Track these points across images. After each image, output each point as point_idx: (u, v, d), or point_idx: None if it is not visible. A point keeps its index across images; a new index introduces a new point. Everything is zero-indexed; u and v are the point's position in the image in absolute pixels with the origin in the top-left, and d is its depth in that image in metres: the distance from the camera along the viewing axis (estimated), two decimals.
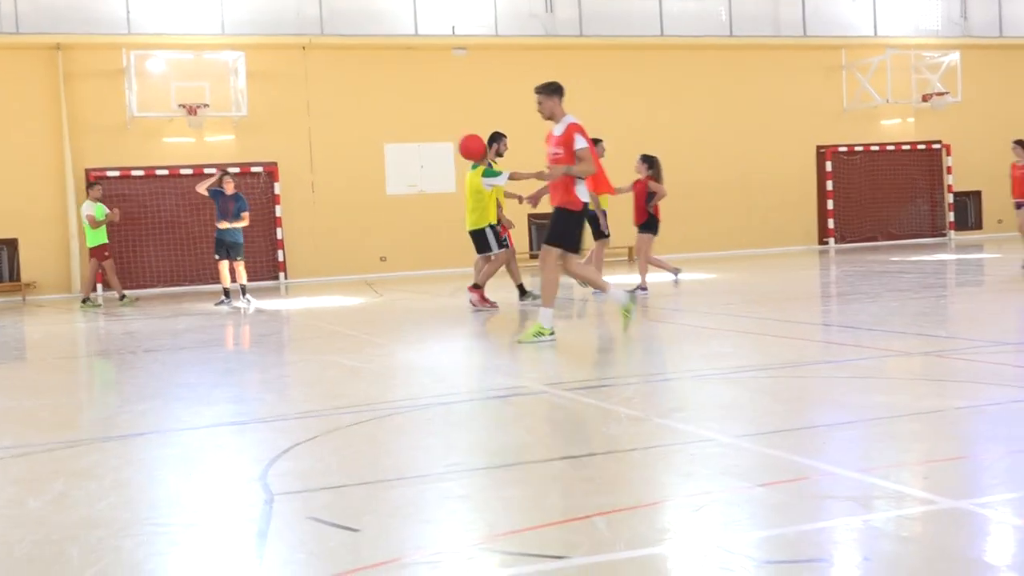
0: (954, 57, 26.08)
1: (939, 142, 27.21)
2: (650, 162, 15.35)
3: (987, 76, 27.13)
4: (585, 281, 13.05)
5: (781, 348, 9.60)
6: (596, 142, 15.49)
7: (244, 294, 17.29)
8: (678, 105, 25.24)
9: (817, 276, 19.02)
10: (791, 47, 26.15)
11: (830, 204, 26.36)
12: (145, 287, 21.74)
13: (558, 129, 10.24)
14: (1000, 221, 27.47)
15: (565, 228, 10.21)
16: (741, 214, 25.82)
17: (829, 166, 26.31)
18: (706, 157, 25.39)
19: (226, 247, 17.06)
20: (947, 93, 25.88)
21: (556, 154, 10.15)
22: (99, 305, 18.52)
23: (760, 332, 10.92)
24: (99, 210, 18.41)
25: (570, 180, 10.10)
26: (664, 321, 12.43)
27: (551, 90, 10.31)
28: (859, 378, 7.83)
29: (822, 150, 26.48)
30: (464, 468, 5.54)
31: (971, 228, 27.57)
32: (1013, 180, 16.92)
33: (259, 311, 16.05)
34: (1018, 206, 16.85)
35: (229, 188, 16.98)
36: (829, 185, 26.34)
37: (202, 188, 17.28)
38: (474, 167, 14.08)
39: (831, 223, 26.38)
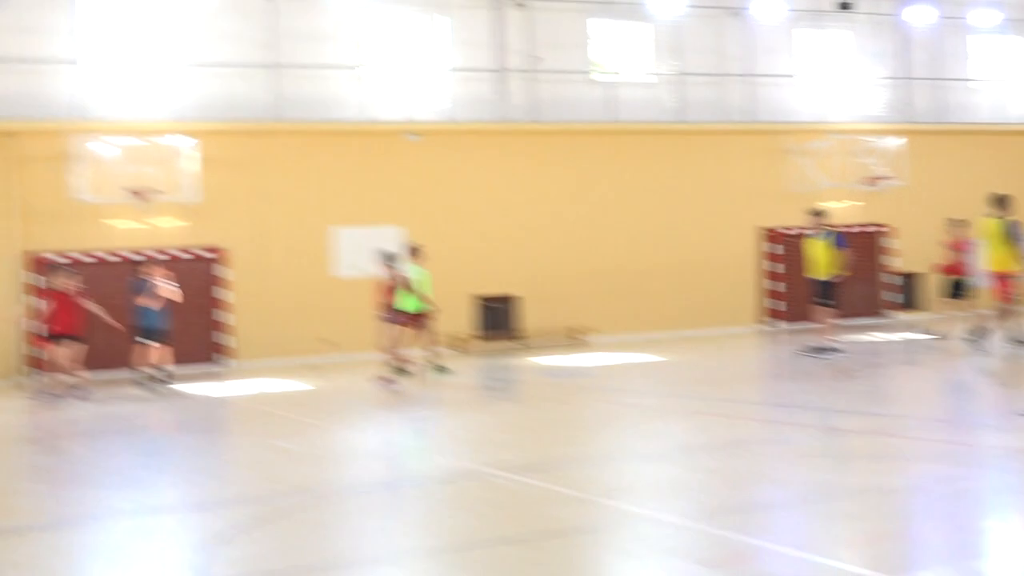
0: (897, 142, 26.65)
1: (881, 225, 27.69)
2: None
3: (929, 161, 27.72)
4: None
5: (725, 427, 9.63)
6: None
7: (157, 379, 17.07)
8: (629, 188, 25.53)
9: (762, 357, 19.17)
10: (738, 132, 26.61)
11: (774, 285, 26.64)
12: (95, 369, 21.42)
13: None
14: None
15: None
16: (688, 295, 26.01)
17: (773, 248, 26.65)
18: (655, 239, 25.65)
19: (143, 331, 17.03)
20: (891, 177, 26.38)
21: None
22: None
23: (704, 412, 10.95)
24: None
25: None
26: (608, 401, 12.44)
27: None
28: (801, 456, 7.86)
29: (766, 231, 26.84)
30: (408, 553, 5.48)
31: (911, 309, 27.90)
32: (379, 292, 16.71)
33: (197, 395, 15.86)
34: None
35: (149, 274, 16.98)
36: (774, 266, 26.65)
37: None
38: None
39: (776, 304, 26.65)
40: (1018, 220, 15.03)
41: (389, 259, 16.30)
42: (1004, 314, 15.39)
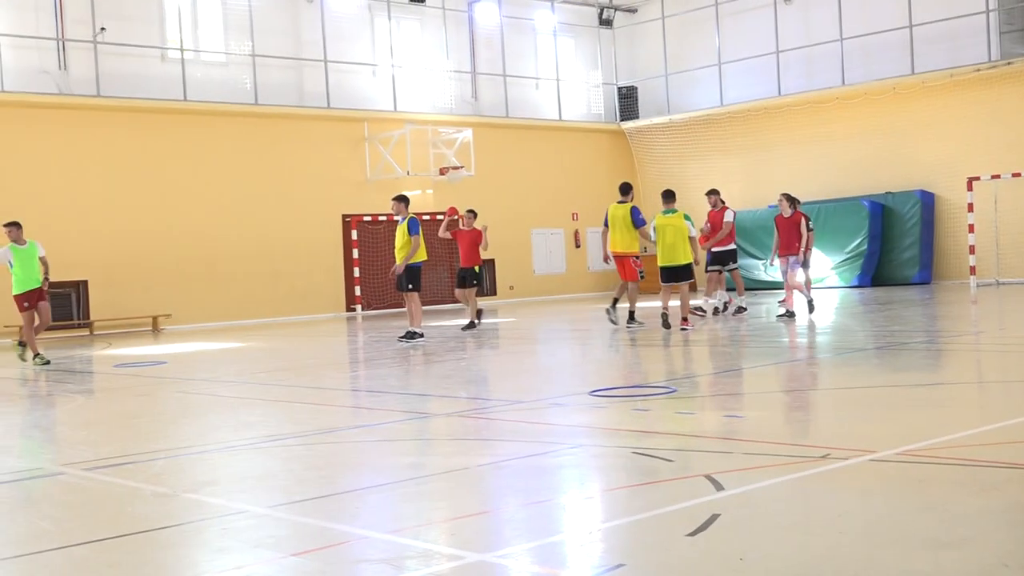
0: (467, 134, 27.85)
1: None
2: None
3: (496, 151, 29.23)
4: None
5: (312, 415, 9.64)
6: None
7: None
8: (201, 172, 24.83)
9: (346, 343, 19.37)
10: (316, 118, 26.67)
11: (356, 272, 27.02)
12: None
13: None
14: (511, 287, 29.55)
15: None
16: (269, 282, 25.79)
17: (355, 235, 27.01)
18: (231, 225, 25.15)
19: None
20: (462, 167, 27.55)
21: None
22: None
23: (291, 400, 10.91)
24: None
25: None
26: (189, 392, 12.07)
27: None
28: (388, 441, 8.03)
29: (347, 219, 27.14)
30: None
31: (487, 294, 29.37)
32: None
33: None
34: None
35: None
36: (355, 253, 27.02)
37: None
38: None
39: (358, 290, 27.05)
40: (636, 206, 16.45)
41: None
42: (623, 291, 16.81)
